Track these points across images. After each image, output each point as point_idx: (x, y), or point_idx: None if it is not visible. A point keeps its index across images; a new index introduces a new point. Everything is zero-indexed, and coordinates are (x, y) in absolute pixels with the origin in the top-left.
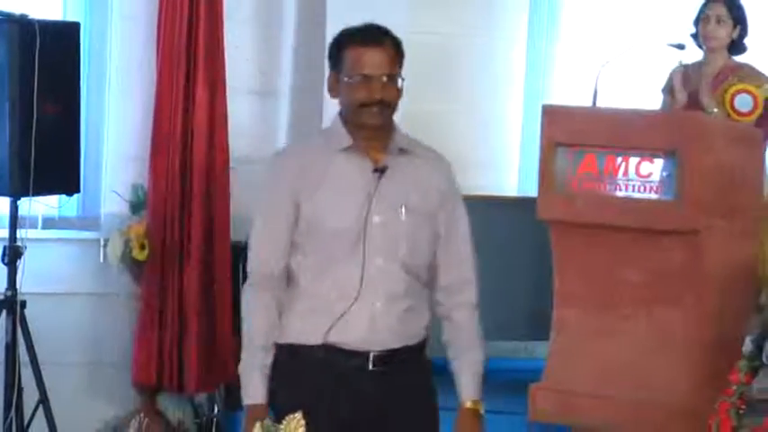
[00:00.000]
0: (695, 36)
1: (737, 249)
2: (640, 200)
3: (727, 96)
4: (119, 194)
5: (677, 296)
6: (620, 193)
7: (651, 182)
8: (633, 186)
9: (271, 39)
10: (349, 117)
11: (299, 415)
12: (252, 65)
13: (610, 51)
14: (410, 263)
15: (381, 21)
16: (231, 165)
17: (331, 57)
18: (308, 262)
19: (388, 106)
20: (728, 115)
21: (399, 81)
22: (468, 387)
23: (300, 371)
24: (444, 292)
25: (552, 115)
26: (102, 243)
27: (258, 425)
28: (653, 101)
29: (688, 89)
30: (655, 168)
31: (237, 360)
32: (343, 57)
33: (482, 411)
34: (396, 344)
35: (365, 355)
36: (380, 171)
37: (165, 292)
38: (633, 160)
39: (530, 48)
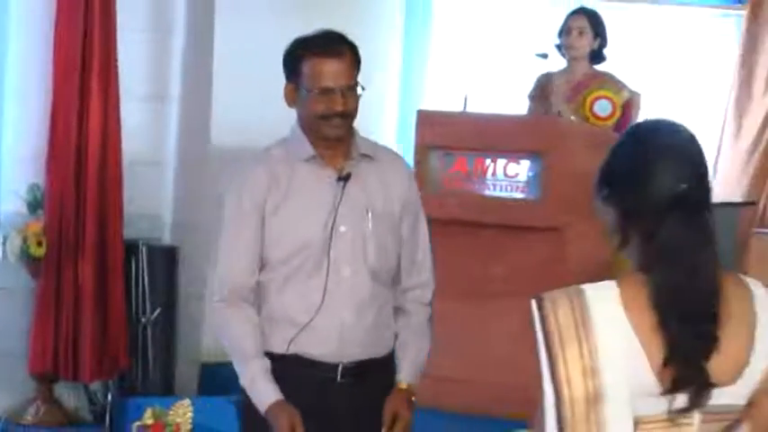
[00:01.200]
0: (559, 47)
1: (597, 250)
2: (507, 199)
3: (588, 102)
4: (17, 194)
5: (541, 290)
6: (489, 193)
7: (518, 182)
8: (501, 186)
9: (161, 46)
10: (309, 128)
11: (186, 401)
12: (144, 71)
13: (480, 60)
14: (378, 269)
15: (267, 28)
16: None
17: (286, 67)
18: (273, 274)
19: (350, 116)
20: (588, 120)
21: (359, 88)
22: (407, 371)
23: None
24: (403, 293)
25: (426, 119)
26: (1, 240)
27: None
28: (520, 106)
29: (551, 96)
30: (521, 169)
31: (129, 349)
32: (301, 68)
33: (414, 398)
34: (365, 355)
35: (334, 366)
36: (344, 179)
37: (61, 286)
38: (501, 162)
39: (405, 55)
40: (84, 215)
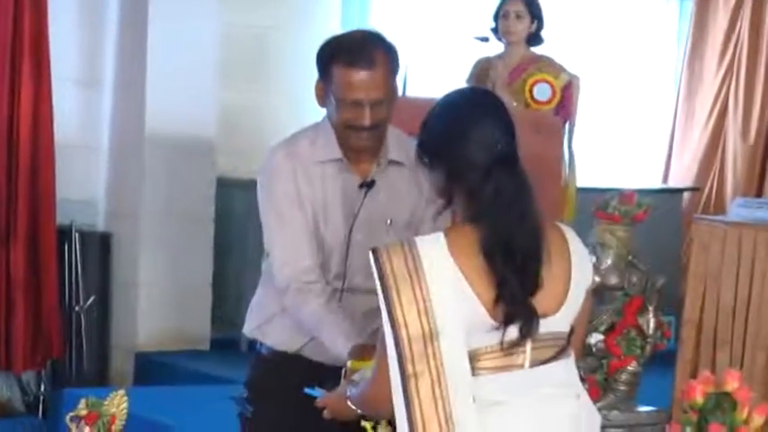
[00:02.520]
0: (495, 30)
1: None
2: None
3: (527, 86)
4: None
5: None
6: None
7: None
8: None
9: (94, 31)
10: (337, 133)
11: (122, 391)
12: (76, 55)
13: (419, 43)
14: None
15: (199, 14)
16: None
17: (318, 64)
18: None
19: (378, 128)
20: (528, 104)
21: (394, 93)
22: None
23: (280, 367)
24: None
25: None
26: None
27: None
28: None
29: (490, 80)
30: None
31: (63, 338)
32: (332, 73)
33: None
34: None
35: (340, 370)
36: (367, 186)
37: None
38: None
39: None
40: (16, 200)
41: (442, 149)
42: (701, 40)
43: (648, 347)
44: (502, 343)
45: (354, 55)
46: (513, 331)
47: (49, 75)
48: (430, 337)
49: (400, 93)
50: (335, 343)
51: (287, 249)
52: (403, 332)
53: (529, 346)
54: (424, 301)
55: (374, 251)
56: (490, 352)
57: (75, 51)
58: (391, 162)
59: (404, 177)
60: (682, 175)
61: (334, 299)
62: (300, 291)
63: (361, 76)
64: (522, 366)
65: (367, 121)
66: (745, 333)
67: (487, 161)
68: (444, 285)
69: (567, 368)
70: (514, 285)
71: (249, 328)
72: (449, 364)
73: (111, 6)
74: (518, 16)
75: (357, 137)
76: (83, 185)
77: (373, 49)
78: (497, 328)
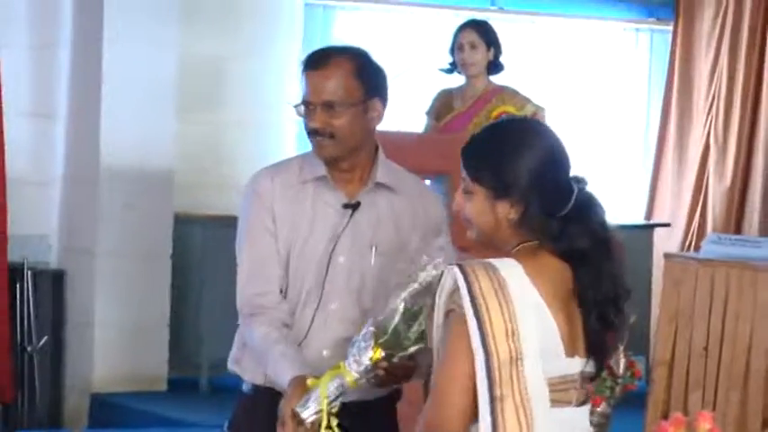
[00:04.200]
0: (453, 65)
1: None
2: None
3: (491, 118)
4: None
5: None
6: None
7: None
8: None
9: (47, 61)
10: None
11: None
12: (29, 87)
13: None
14: (373, 307)
15: (155, 44)
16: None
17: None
18: None
19: (332, 137)
20: None
21: (361, 107)
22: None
23: (258, 405)
24: None
25: None
26: None
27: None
28: (417, 123)
29: (451, 112)
30: None
31: (15, 379)
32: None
33: None
34: (347, 398)
35: None
36: (352, 207)
37: None
38: None
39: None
40: None
41: (527, 172)
42: (683, 74)
43: (619, 388)
44: (565, 376)
45: (310, 58)
46: (576, 365)
47: (1, 108)
48: (515, 359)
49: None
50: (277, 372)
51: (249, 272)
52: (494, 355)
53: (579, 381)
54: (512, 323)
55: (461, 269)
56: (554, 384)
57: (27, 82)
58: (379, 185)
59: (392, 203)
60: (663, 213)
61: (286, 328)
62: (252, 316)
63: (311, 76)
64: (570, 403)
65: (315, 123)
66: (718, 373)
67: (572, 192)
68: (528, 309)
69: (586, 414)
70: (594, 322)
71: (230, 362)
72: (532, 389)
73: (64, 36)
74: (473, 46)
75: (317, 144)
76: (35, 221)
77: (332, 53)
78: (566, 360)
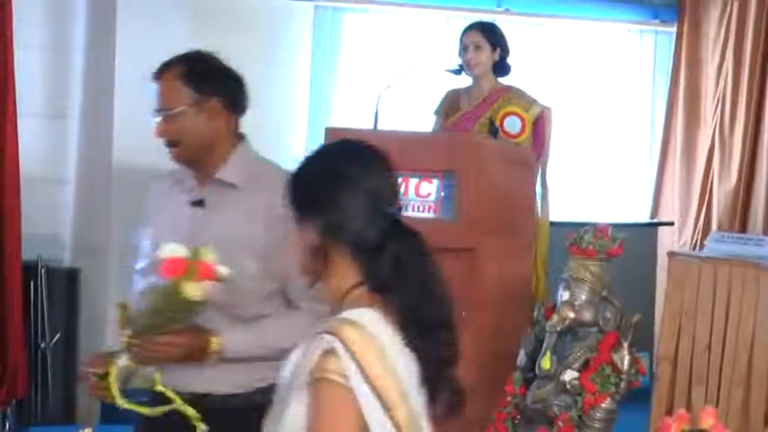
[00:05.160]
0: (462, 66)
1: (512, 267)
2: (419, 219)
3: (498, 118)
4: None
5: (458, 312)
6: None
7: (429, 201)
8: (413, 206)
9: (60, 62)
10: None
11: (88, 430)
12: (43, 87)
13: (390, 76)
14: (224, 302)
15: (167, 46)
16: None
17: None
18: None
19: (175, 143)
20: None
21: (194, 108)
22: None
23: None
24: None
25: (335, 137)
26: None
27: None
28: (427, 123)
29: (458, 112)
30: (433, 189)
31: (28, 376)
32: None
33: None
34: (198, 388)
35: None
36: (197, 204)
37: None
38: (413, 181)
39: (313, 72)
40: None
41: (326, 199)
42: (688, 75)
43: (623, 384)
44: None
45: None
46: (437, 407)
47: (15, 108)
48: (415, 419)
49: (371, 126)
50: None
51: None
52: (400, 424)
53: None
54: (400, 382)
55: (340, 338)
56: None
57: (41, 83)
58: (220, 182)
59: (233, 200)
60: (669, 211)
61: None
62: None
63: (152, 88)
64: None
65: (157, 132)
66: (721, 370)
67: (383, 221)
68: (399, 357)
69: None
70: (432, 360)
71: None
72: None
73: (78, 37)
74: (477, 47)
75: (169, 152)
76: (49, 220)
77: (168, 63)
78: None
